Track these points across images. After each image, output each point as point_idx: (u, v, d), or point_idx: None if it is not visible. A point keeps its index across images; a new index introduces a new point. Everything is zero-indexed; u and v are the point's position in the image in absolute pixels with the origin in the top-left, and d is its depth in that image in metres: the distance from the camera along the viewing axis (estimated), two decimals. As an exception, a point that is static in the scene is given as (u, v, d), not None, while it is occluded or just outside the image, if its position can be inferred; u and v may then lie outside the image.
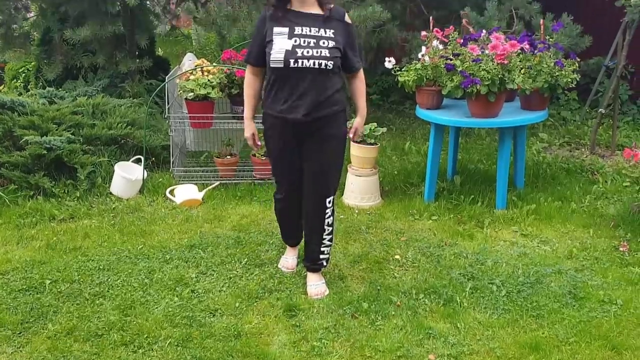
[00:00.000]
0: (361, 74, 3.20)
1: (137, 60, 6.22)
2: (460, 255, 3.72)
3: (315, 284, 3.31)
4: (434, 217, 4.29)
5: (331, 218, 3.28)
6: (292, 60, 2.92)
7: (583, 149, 5.75)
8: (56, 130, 4.79)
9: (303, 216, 3.36)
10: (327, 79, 2.99)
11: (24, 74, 7.89)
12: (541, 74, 4.16)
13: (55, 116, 4.91)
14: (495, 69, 3.94)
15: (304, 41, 2.95)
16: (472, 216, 4.27)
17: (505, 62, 3.96)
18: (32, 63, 7.42)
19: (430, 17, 4.52)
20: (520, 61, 4.14)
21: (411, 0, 6.92)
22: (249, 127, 3.25)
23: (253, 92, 3.21)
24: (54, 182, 4.59)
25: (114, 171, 4.70)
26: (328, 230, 3.29)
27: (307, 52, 2.93)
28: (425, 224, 4.21)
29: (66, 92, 5.67)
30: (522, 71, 4.12)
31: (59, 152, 4.59)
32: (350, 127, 3.32)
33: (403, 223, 4.23)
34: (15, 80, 8.08)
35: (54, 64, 5.99)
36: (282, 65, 2.94)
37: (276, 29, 2.99)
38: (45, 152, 4.54)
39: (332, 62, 2.95)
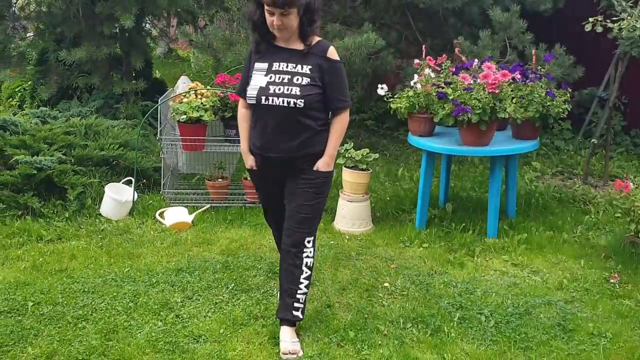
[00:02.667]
0: (344, 115, 3.02)
1: (133, 81, 6.24)
2: (450, 284, 3.68)
3: (291, 341, 2.99)
4: (425, 245, 4.27)
5: (310, 259, 3.06)
6: (263, 98, 2.88)
7: (576, 179, 5.75)
8: (47, 150, 4.78)
9: (280, 253, 3.17)
10: (301, 118, 2.89)
11: (19, 93, 7.93)
12: (532, 103, 4.17)
13: (47, 136, 4.90)
14: (486, 97, 3.95)
15: (279, 77, 2.89)
16: (463, 244, 4.24)
17: (497, 91, 3.97)
18: (29, 82, 7.46)
19: (423, 46, 4.55)
20: (512, 90, 4.16)
21: (407, 28, 6.99)
22: (248, 160, 3.16)
23: (246, 126, 3.11)
24: (43, 202, 4.55)
25: (104, 192, 4.67)
26: (306, 273, 3.04)
27: (279, 89, 2.87)
28: (416, 251, 4.18)
29: (60, 112, 5.67)
30: (514, 100, 4.14)
31: (49, 172, 4.57)
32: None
33: (393, 250, 4.20)
34: (11, 99, 8.12)
35: (49, 83, 6.01)
36: (254, 102, 2.92)
37: (257, 65, 2.96)
38: (35, 171, 4.52)
39: (302, 101, 2.84)
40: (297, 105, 2.84)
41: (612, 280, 3.71)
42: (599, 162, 6.02)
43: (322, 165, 3.01)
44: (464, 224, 4.50)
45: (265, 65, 2.92)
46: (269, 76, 2.89)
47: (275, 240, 3.53)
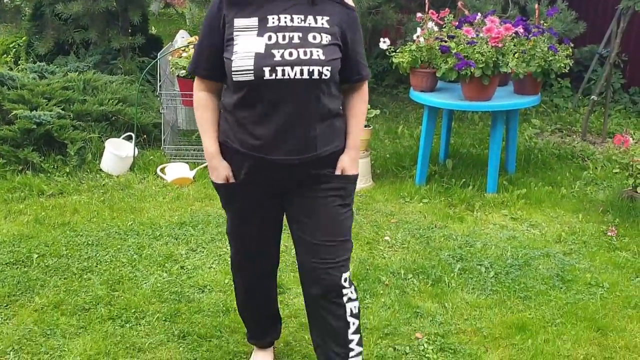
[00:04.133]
0: (365, 87, 2.18)
1: (130, 37, 6.16)
2: (450, 237, 3.73)
3: None
4: (425, 200, 4.30)
5: (355, 304, 2.15)
6: (267, 69, 1.91)
7: (574, 136, 5.77)
8: (46, 105, 4.74)
9: (307, 314, 2.27)
10: (323, 94, 1.99)
11: (14, 49, 7.81)
12: (535, 58, 4.15)
13: (46, 91, 4.86)
14: (489, 52, 3.93)
15: (284, 37, 1.94)
16: (463, 200, 4.28)
17: (500, 45, 3.95)
18: (23, 38, 7.34)
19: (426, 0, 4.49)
20: (514, 45, 4.14)
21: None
22: (220, 168, 2.10)
23: (211, 117, 2.11)
24: (43, 157, 4.55)
25: (104, 148, 4.66)
26: (354, 324, 2.15)
27: (290, 54, 1.92)
28: (416, 206, 4.22)
29: (57, 68, 5.61)
30: (516, 55, 4.11)
31: (48, 127, 4.55)
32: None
33: (394, 205, 4.23)
34: (5, 55, 8.00)
35: (45, 38, 5.93)
36: (251, 78, 1.92)
37: (239, 21, 1.97)
38: (34, 126, 4.50)
39: (329, 68, 1.95)
40: (323, 76, 1.94)
41: (609, 234, 3.76)
42: (598, 120, 6.03)
43: (349, 165, 2.11)
44: (463, 180, 4.53)
45: (253, 21, 1.96)
46: (267, 36, 1.93)
47: (244, 303, 2.45)
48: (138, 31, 6.43)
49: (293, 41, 1.94)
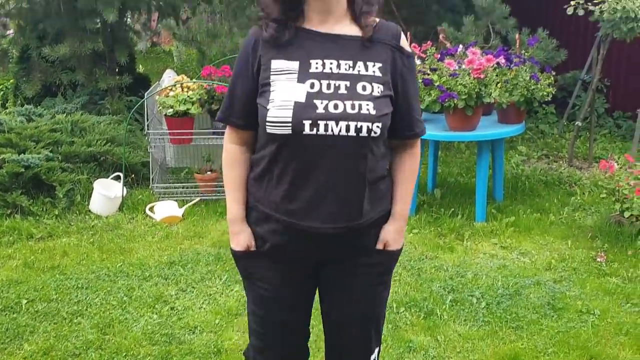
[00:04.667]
0: (418, 145, 1.87)
1: (117, 77, 6.21)
2: (441, 268, 3.73)
3: None
4: (415, 231, 4.31)
5: None
6: (307, 123, 1.64)
7: (561, 162, 5.83)
8: (34, 147, 4.75)
9: None
10: (371, 154, 1.71)
11: (1, 92, 7.85)
12: (517, 87, 4.22)
13: (34, 134, 4.87)
14: (472, 83, 3.99)
15: (328, 86, 1.67)
16: (453, 229, 4.29)
17: (482, 76, 4.01)
18: (10, 81, 7.38)
19: (408, 33, 4.57)
20: (496, 75, 4.20)
21: (390, 17, 7.02)
22: (242, 235, 1.84)
23: (239, 175, 1.84)
24: (32, 200, 4.53)
25: (93, 189, 4.66)
26: None
27: (335, 106, 1.65)
28: (407, 237, 4.23)
29: (45, 110, 5.63)
30: (499, 85, 4.18)
31: (36, 170, 4.55)
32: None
33: (384, 237, 4.23)
34: (-7, 98, 8.02)
35: (32, 81, 5.96)
36: (288, 132, 1.65)
37: (277, 63, 1.70)
38: (22, 170, 4.50)
39: (379, 124, 1.67)
40: (372, 134, 1.67)
41: (598, 259, 3.77)
42: (584, 145, 6.10)
43: (393, 237, 1.83)
44: (452, 209, 4.55)
45: (294, 65, 1.69)
46: (309, 83, 1.67)
47: None
48: (125, 71, 6.49)
49: (339, 91, 1.66)
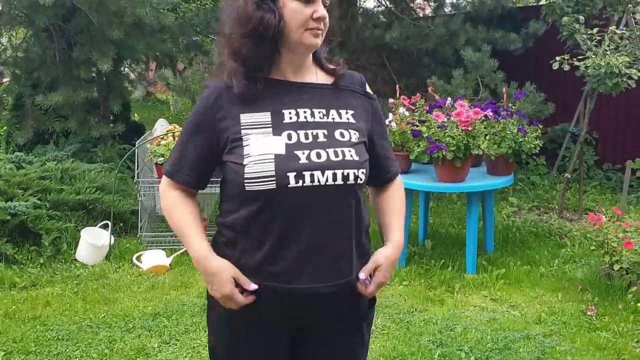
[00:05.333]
0: (399, 179, 1.84)
1: (111, 125, 6.24)
2: (430, 321, 3.67)
3: None
4: (405, 283, 4.26)
5: None
6: (291, 175, 1.53)
7: (552, 213, 5.83)
8: (22, 195, 4.73)
9: None
10: (357, 202, 1.64)
11: (-5, 139, 7.88)
12: (505, 140, 4.25)
13: (22, 181, 4.86)
14: (460, 135, 4.02)
15: (306, 135, 1.59)
16: (443, 281, 4.25)
17: (470, 128, 4.05)
18: (4, 127, 7.42)
19: (397, 85, 4.64)
20: (484, 128, 4.24)
21: (382, 69, 7.15)
22: (223, 273, 1.60)
23: (193, 212, 1.68)
24: (17, 249, 4.48)
25: (80, 237, 4.62)
26: None
27: (318, 155, 1.57)
28: (396, 289, 4.17)
29: (35, 157, 5.64)
30: (487, 137, 4.22)
31: (23, 217, 4.51)
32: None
33: (373, 288, 4.18)
34: (-13, 144, 8.04)
35: (24, 128, 5.99)
36: (272, 186, 1.53)
37: (247, 117, 1.59)
38: (9, 217, 4.46)
39: (364, 170, 1.62)
40: (359, 180, 1.61)
41: (589, 313, 3.72)
42: (574, 196, 6.11)
43: (386, 265, 1.70)
44: (443, 261, 4.52)
45: (266, 117, 1.59)
46: (286, 135, 1.57)
47: None
48: (119, 119, 6.53)
49: (318, 140, 1.58)
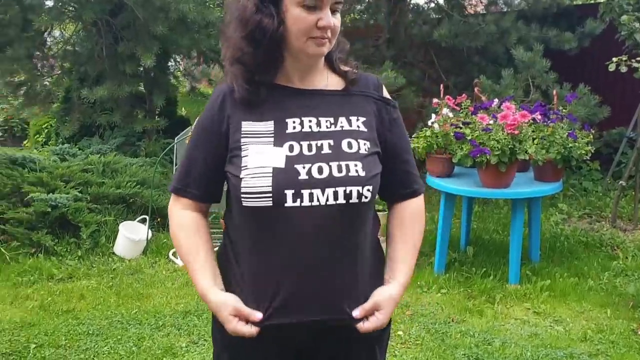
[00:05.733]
0: (421, 203, 1.64)
1: (156, 119, 6.29)
2: (467, 333, 3.51)
3: None
4: (443, 290, 4.10)
5: None
6: (289, 193, 1.40)
7: (604, 222, 5.53)
8: (64, 187, 4.79)
9: None
10: (362, 222, 1.48)
11: (46, 130, 8.07)
12: (554, 145, 4.03)
13: (65, 173, 4.93)
14: (505, 138, 3.83)
15: (310, 147, 1.45)
16: (483, 291, 4.07)
17: (516, 132, 3.85)
18: (54, 119, 7.60)
19: (441, 85, 4.47)
20: (532, 131, 4.03)
21: (430, 66, 6.96)
22: (224, 310, 1.48)
23: (197, 241, 1.54)
24: (57, 240, 4.55)
25: (118, 231, 4.64)
26: None
27: (320, 170, 1.42)
28: (434, 297, 4.02)
29: (80, 150, 5.72)
30: (535, 141, 4.00)
31: (63, 210, 4.57)
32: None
33: (410, 295, 4.04)
34: (38, 135, 8.27)
35: (70, 121, 6.08)
36: (268, 204, 1.40)
37: (248, 125, 1.47)
38: (49, 209, 4.53)
39: (370, 187, 1.45)
40: (363, 199, 1.43)
41: (640, 333, 3.49)
42: (629, 205, 5.79)
43: (387, 305, 1.51)
44: (485, 269, 4.33)
45: (268, 126, 1.46)
46: (287, 146, 1.44)
47: None
48: (164, 113, 6.57)
49: (322, 151, 1.43)
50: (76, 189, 4.85)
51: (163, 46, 5.56)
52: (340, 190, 1.41)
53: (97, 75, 5.97)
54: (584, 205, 5.95)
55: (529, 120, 3.97)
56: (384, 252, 1.60)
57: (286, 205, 1.39)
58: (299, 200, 1.39)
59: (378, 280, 1.55)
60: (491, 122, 3.92)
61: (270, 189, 1.40)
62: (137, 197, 5.06)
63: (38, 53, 6.34)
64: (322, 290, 1.44)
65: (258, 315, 1.45)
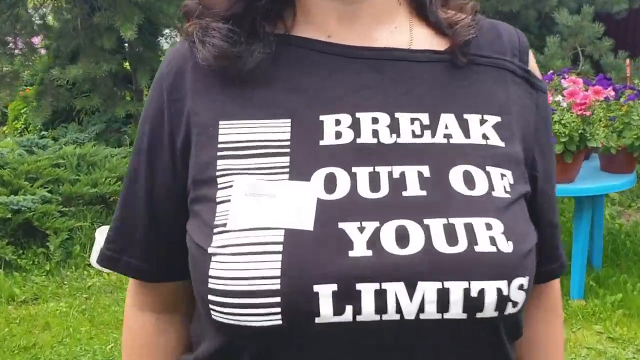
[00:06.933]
0: (558, 288, 0.89)
1: (139, 102, 5.49)
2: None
3: None
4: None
5: None
6: (326, 292, 0.59)
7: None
8: (30, 187, 4.03)
9: None
10: (495, 354, 0.68)
11: (25, 115, 7.29)
12: (630, 127, 3.24)
13: (31, 170, 4.15)
14: (574, 122, 3.03)
15: (375, 179, 0.64)
16: (539, 307, 3.31)
17: (587, 113, 3.05)
18: (33, 103, 6.81)
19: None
20: (602, 112, 3.24)
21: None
22: None
23: None
24: (20, 252, 3.80)
25: (95, 238, 3.90)
26: None
27: (402, 235, 0.61)
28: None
29: (54, 140, 4.93)
30: (603, 124, 3.22)
31: (28, 214, 3.81)
32: None
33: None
34: (16, 121, 7.50)
35: (41, 107, 5.28)
36: (277, 322, 0.60)
37: (233, 129, 0.68)
38: (10, 215, 3.77)
39: (526, 281, 0.64)
40: (510, 308, 0.63)
41: None
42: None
43: None
44: (537, 279, 3.57)
45: (277, 129, 0.66)
46: (322, 176, 0.64)
47: None
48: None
49: (408, 192, 0.64)
50: (45, 187, 4.09)
51: (146, 15, 4.74)
52: (456, 287, 0.60)
53: (71, 52, 5.16)
54: (637, 194, 5.15)
55: (601, 99, 3.17)
56: None
57: (318, 321, 0.60)
58: (349, 308, 0.59)
59: None
60: (557, 99, 3.11)
61: (278, 285, 0.59)
62: (118, 196, 4.27)
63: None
64: None
65: None
